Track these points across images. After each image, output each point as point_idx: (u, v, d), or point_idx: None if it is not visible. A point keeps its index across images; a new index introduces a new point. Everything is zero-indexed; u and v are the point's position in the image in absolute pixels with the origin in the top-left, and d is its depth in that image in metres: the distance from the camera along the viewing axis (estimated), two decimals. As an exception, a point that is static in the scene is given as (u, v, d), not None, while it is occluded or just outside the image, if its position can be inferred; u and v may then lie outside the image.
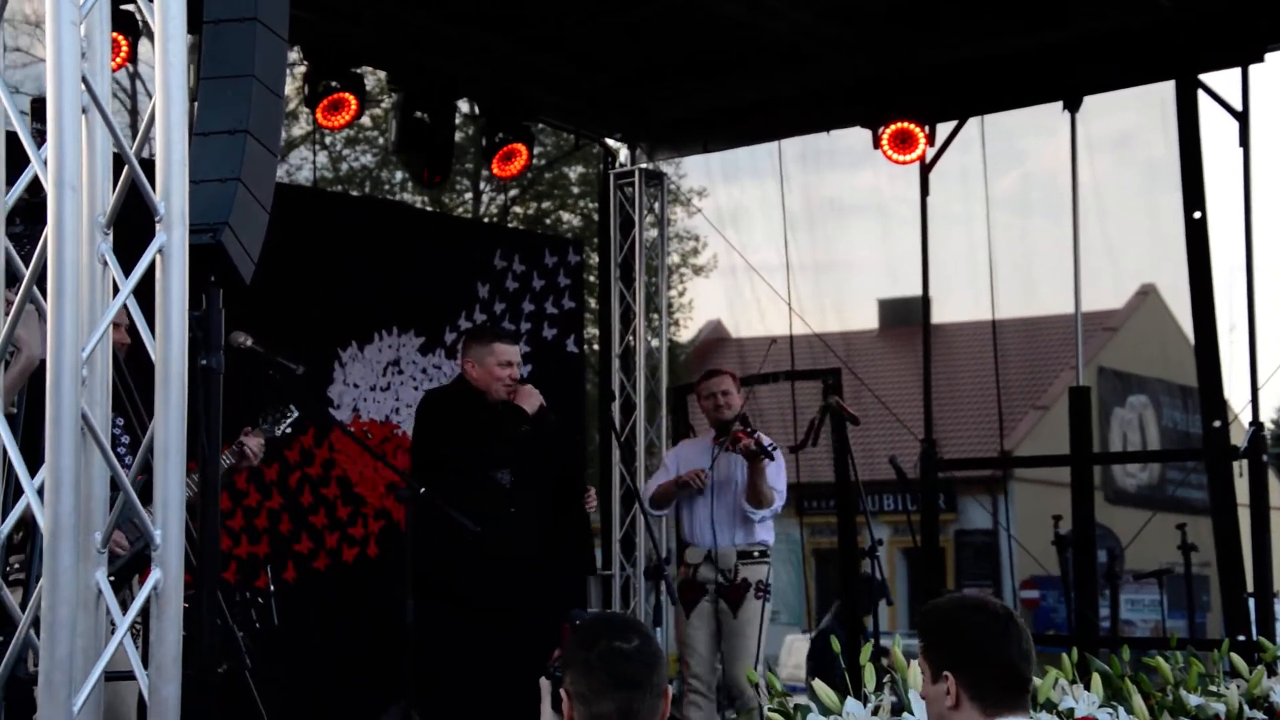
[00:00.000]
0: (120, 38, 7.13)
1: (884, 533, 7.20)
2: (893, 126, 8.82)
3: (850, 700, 4.41)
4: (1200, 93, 8.44)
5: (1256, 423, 8.41)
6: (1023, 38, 8.64)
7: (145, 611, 2.75)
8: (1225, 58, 8.35)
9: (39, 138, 2.78)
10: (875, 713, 4.43)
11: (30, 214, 3.02)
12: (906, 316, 25.13)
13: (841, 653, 5.03)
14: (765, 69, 9.16)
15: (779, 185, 10.12)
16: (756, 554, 7.16)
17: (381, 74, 10.25)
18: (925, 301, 9.81)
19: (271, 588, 6.63)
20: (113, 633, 2.79)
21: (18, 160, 2.89)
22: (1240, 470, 8.43)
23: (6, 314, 2.86)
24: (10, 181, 2.90)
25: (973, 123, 9.35)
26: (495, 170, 9.30)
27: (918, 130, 8.84)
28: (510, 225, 19.09)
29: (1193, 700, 5.30)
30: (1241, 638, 7.69)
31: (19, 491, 2.81)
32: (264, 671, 5.10)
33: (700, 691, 7.08)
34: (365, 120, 14.93)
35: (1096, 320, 22.64)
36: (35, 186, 2.90)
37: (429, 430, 6.42)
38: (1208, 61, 8.40)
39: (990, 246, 9.75)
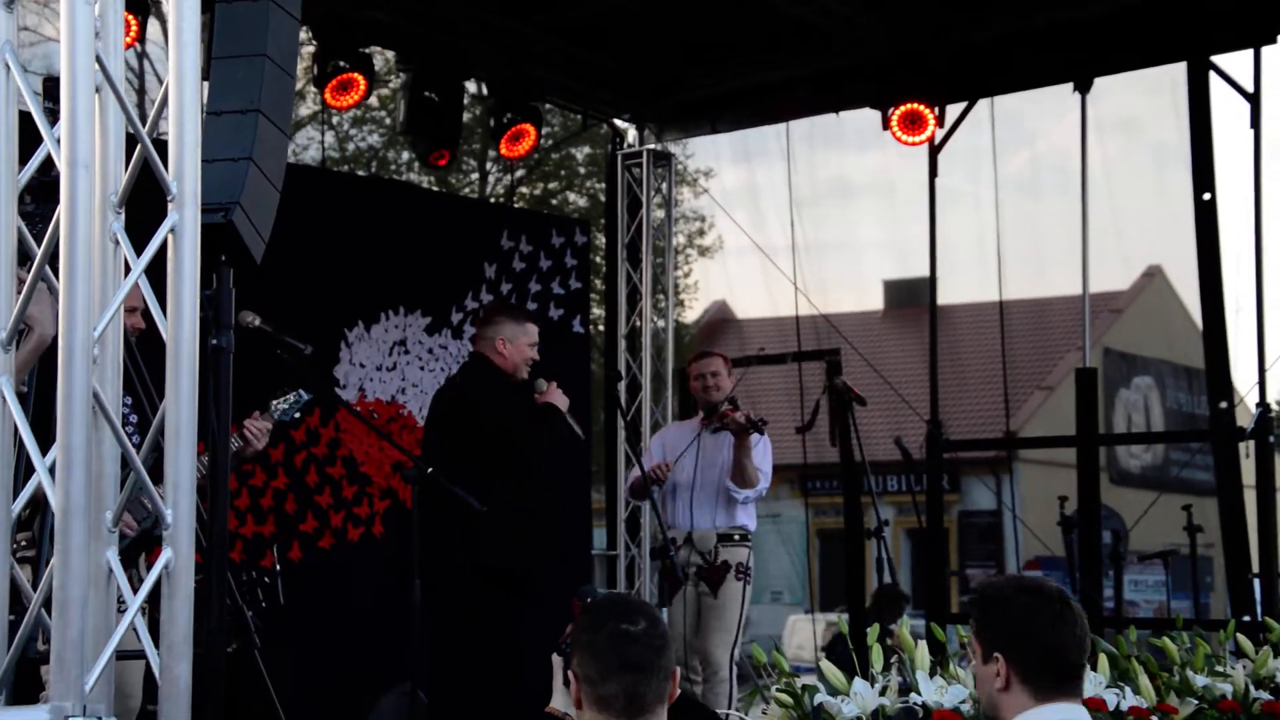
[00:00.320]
0: (130, 17, 7.11)
1: (888, 513, 7.17)
2: (903, 108, 8.79)
3: (858, 680, 4.40)
4: (1211, 74, 8.42)
5: (1263, 404, 8.41)
6: (1034, 19, 8.60)
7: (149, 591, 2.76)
8: (1237, 39, 8.32)
9: (51, 117, 2.78)
10: (883, 693, 4.42)
11: (41, 193, 3.02)
12: (911, 297, 25.12)
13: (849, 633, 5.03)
14: (776, 50, 9.14)
15: (786, 166, 10.12)
16: (737, 536, 7.04)
17: (389, 54, 10.23)
18: (933, 282, 9.79)
19: (278, 567, 6.63)
20: (120, 611, 2.80)
21: (27, 140, 2.89)
22: (1246, 451, 8.43)
23: (19, 292, 2.86)
24: (23, 160, 2.89)
25: (982, 104, 9.33)
26: (503, 151, 9.28)
27: (927, 112, 8.81)
28: (516, 206, 19.07)
29: (1199, 681, 5.29)
30: (1247, 618, 7.70)
31: (28, 470, 2.81)
32: (270, 651, 5.12)
33: (685, 677, 7.05)
34: (372, 101, 14.92)
35: (1102, 302, 22.62)
36: (45, 165, 2.90)
37: (526, 418, 6.28)
38: (1220, 43, 8.37)
39: (999, 228, 9.75)
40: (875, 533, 7.12)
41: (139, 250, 2.77)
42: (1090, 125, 9.01)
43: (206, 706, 3.05)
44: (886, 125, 8.86)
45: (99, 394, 2.68)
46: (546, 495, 6.46)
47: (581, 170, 21.16)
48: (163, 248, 2.76)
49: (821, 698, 4.39)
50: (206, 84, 3.35)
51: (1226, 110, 8.54)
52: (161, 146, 2.78)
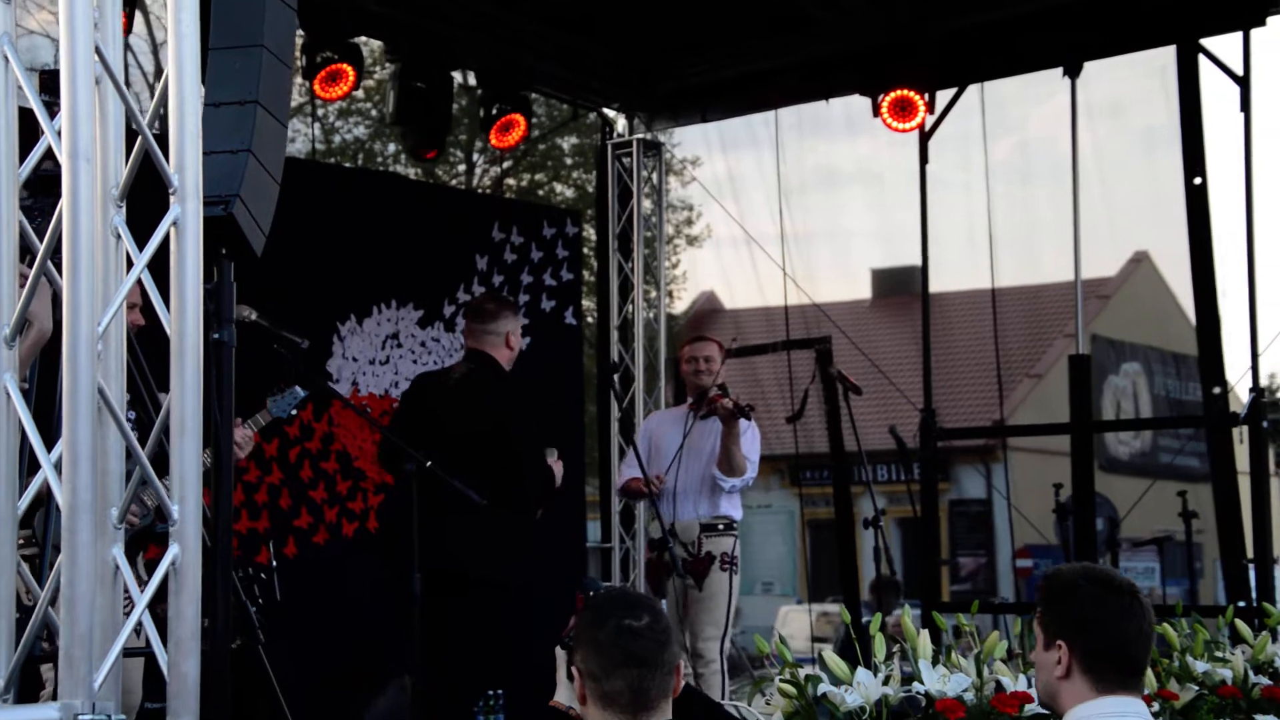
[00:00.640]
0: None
1: (880, 503, 7.12)
2: (892, 94, 8.77)
3: (860, 670, 4.39)
4: (1201, 57, 8.42)
5: (1256, 389, 8.40)
6: (1023, 3, 8.59)
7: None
8: (1227, 22, 8.31)
9: (48, 110, 2.74)
10: (886, 682, 4.41)
11: (40, 187, 2.98)
12: (898, 286, 25.14)
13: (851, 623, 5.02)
14: (766, 37, 9.12)
15: (775, 154, 10.09)
16: (721, 526, 6.91)
17: (375, 45, 10.17)
18: (924, 270, 9.77)
19: (273, 563, 6.61)
20: (125, 608, 2.77)
21: (26, 133, 2.86)
22: (1240, 437, 8.43)
23: (20, 287, 2.83)
24: (23, 154, 2.86)
25: (972, 90, 9.31)
26: (493, 141, 9.25)
27: (917, 98, 8.79)
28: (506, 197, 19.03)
29: (1199, 667, 5.29)
30: (1242, 603, 7.71)
31: (33, 466, 2.78)
32: (267, 646, 5.10)
33: None
34: (358, 92, 14.83)
35: (1090, 288, 22.63)
36: (40, 160, 2.86)
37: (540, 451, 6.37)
38: (1209, 26, 8.37)
39: (990, 214, 9.74)
40: (872, 522, 7.09)
41: (139, 244, 2.73)
42: (1080, 110, 9.02)
43: (213, 703, 3.02)
44: (877, 112, 8.83)
45: (104, 390, 2.65)
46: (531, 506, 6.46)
47: (568, 161, 21.11)
48: (164, 241, 2.73)
49: (825, 688, 4.38)
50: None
51: (1216, 93, 8.56)
52: (159, 139, 2.74)
